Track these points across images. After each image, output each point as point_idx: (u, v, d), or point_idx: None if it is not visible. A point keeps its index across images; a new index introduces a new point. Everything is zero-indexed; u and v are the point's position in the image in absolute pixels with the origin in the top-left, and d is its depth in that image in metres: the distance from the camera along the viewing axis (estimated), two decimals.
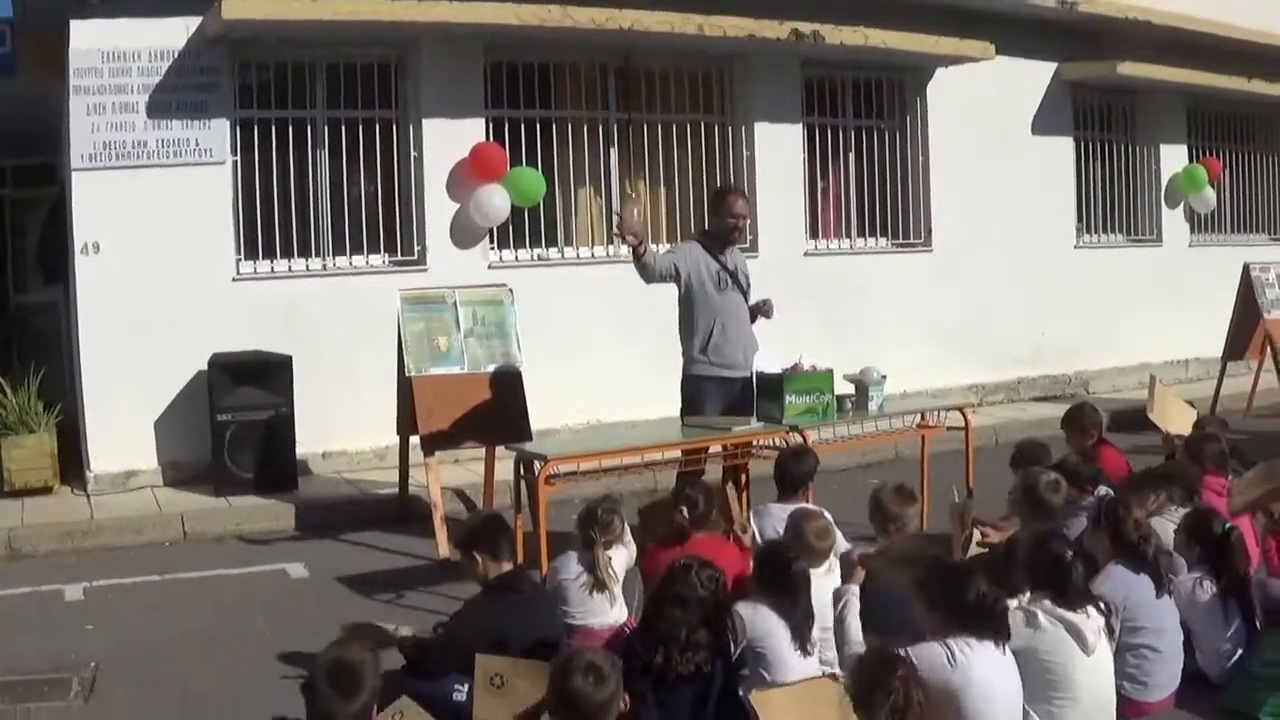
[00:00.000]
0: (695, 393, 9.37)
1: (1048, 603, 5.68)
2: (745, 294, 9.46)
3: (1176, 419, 9.87)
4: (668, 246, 9.89)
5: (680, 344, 9.41)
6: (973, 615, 5.34)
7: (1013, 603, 5.78)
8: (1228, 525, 6.76)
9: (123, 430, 11.38)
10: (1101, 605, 5.82)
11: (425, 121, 12.55)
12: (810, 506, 7.26)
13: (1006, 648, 5.39)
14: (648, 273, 9.09)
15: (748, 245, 14.07)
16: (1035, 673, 5.57)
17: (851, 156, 15.36)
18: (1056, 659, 5.60)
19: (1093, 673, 5.67)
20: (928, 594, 5.48)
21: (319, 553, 9.88)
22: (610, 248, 13.64)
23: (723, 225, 9.41)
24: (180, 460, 11.57)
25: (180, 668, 7.23)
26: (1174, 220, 18.08)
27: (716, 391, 9.33)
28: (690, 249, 9.40)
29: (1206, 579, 6.56)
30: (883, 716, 4.62)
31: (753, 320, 9.56)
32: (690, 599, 5.54)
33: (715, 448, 9.09)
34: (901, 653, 5.06)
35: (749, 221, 14.05)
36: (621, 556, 7.08)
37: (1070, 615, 5.64)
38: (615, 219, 9.07)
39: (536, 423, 10.30)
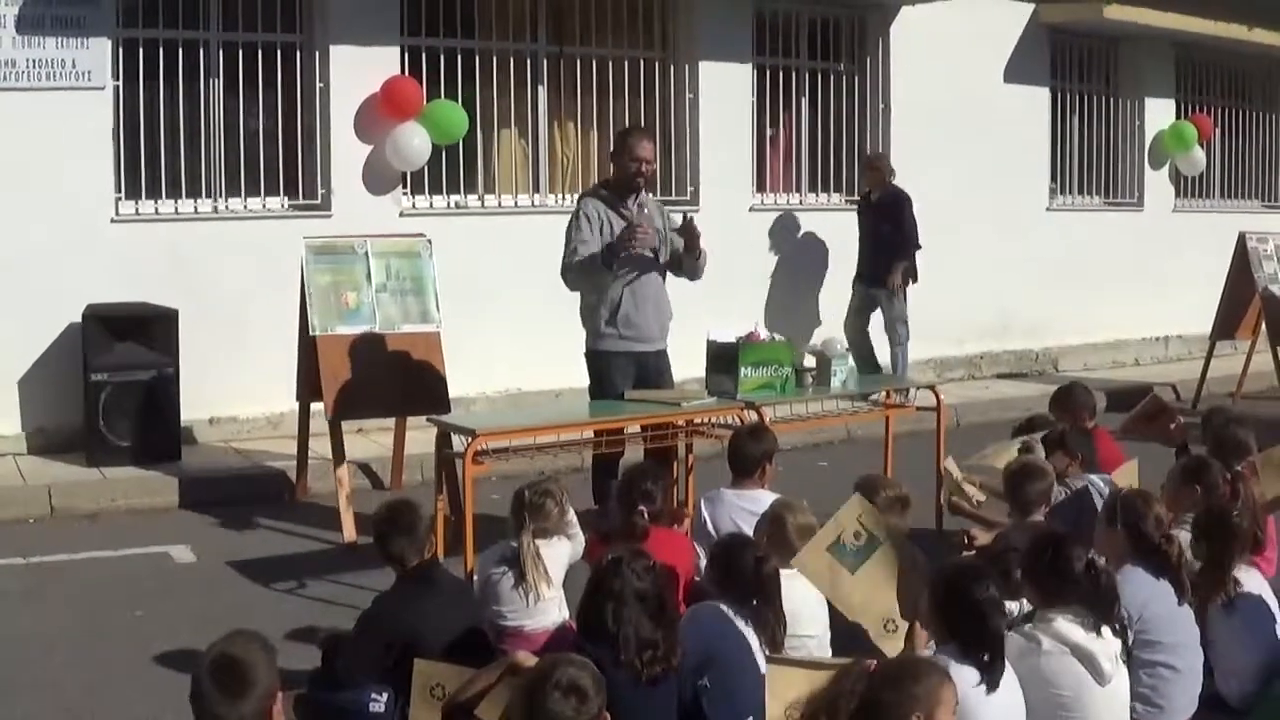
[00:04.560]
0: (604, 370, 9.22)
1: (1057, 622, 5.41)
2: (657, 254, 9.25)
3: None
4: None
5: (580, 315, 9.29)
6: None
7: (1012, 607, 5.65)
8: None
9: None
10: (1120, 623, 5.62)
11: (333, 49, 12.39)
12: (790, 499, 7.10)
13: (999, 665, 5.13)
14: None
15: (688, 197, 14.25)
16: (1043, 704, 5.32)
17: (805, 102, 15.37)
18: (1065, 691, 5.33)
19: (1107, 704, 5.43)
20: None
21: (206, 533, 9.81)
22: (536, 196, 13.70)
23: (624, 170, 9.18)
24: (47, 425, 11.43)
25: (46, 669, 7.09)
26: (1158, 182, 18.21)
27: (628, 367, 9.19)
28: (594, 208, 9.16)
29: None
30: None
31: (678, 266, 9.38)
32: (627, 594, 5.28)
33: (634, 427, 8.96)
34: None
35: (694, 171, 14.30)
36: (563, 549, 6.87)
37: (1082, 639, 5.37)
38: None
39: (452, 391, 10.34)
